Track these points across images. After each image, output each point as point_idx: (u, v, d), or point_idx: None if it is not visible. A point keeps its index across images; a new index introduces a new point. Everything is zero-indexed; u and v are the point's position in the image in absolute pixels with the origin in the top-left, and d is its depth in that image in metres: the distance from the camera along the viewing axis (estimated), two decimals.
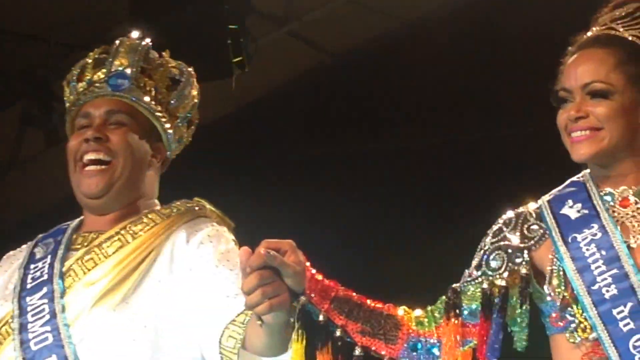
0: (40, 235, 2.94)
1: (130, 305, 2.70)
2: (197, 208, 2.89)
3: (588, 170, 2.62)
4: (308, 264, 2.42)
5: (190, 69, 2.97)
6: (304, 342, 2.41)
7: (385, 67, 8.71)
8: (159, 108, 2.86)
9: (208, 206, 2.92)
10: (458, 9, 8.24)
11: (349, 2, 8.41)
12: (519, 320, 2.53)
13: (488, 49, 8.05)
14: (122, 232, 2.79)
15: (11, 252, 2.97)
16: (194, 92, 2.97)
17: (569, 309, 2.48)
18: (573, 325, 2.48)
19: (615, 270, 2.44)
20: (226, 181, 7.51)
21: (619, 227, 2.49)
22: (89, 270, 2.74)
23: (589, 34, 2.58)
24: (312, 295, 2.42)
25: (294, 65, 9.00)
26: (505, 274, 2.55)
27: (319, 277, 2.44)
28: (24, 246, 2.94)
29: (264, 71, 8.16)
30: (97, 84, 2.83)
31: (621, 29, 2.52)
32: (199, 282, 2.70)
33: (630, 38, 2.51)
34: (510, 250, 2.57)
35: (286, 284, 2.32)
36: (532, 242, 2.57)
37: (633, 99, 2.48)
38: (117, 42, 2.91)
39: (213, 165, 7.96)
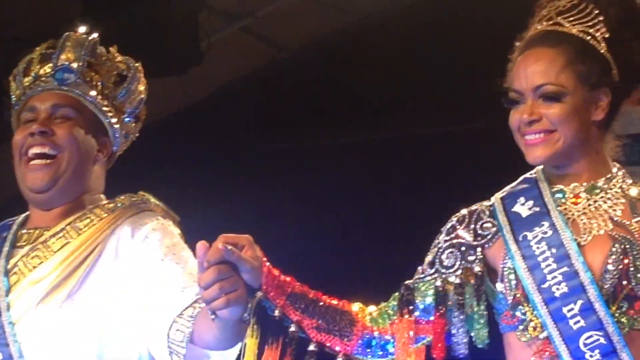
0: None
1: (76, 301, 2.70)
2: (141, 202, 2.89)
3: (541, 167, 2.62)
4: (265, 259, 2.42)
5: (137, 64, 2.95)
6: (258, 337, 2.42)
7: (339, 62, 8.69)
8: (105, 103, 2.85)
9: (153, 200, 2.91)
10: (415, 2, 8.29)
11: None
12: (476, 317, 2.54)
13: (444, 42, 8.06)
14: (67, 228, 2.78)
15: None
16: (141, 88, 2.95)
17: (520, 307, 2.49)
18: (524, 323, 2.49)
19: (565, 268, 2.45)
20: (178, 176, 7.48)
21: (569, 225, 2.49)
22: (34, 267, 2.73)
23: (537, 27, 2.57)
24: (269, 290, 2.41)
25: (248, 61, 8.97)
26: (459, 272, 2.55)
27: (276, 272, 2.44)
28: None
29: (217, 67, 8.13)
30: (43, 78, 2.82)
31: (567, 25, 2.51)
32: (145, 277, 2.69)
33: (577, 34, 2.50)
34: (463, 248, 2.58)
35: (243, 279, 2.33)
36: (485, 240, 2.58)
37: (584, 98, 2.48)
38: (64, 36, 2.89)
39: (166, 161, 7.93)
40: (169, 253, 2.71)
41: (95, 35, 2.91)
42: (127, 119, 2.94)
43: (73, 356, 2.67)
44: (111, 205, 2.87)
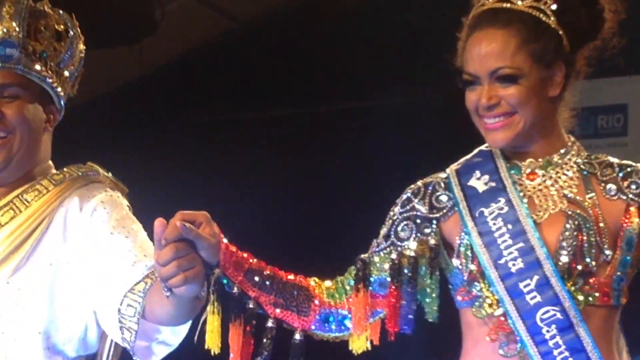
0: None
1: (23, 275, 2.68)
2: (90, 173, 2.85)
3: None
4: (222, 236, 2.41)
5: (75, 22, 2.89)
6: (220, 314, 2.43)
7: (291, 33, 8.77)
8: (50, 73, 2.80)
9: (101, 171, 2.87)
10: None
11: None
12: (428, 290, 2.55)
13: (393, 15, 8.09)
14: (15, 200, 2.74)
15: None
16: (82, 46, 2.90)
17: (476, 283, 2.50)
18: (479, 300, 2.51)
19: (521, 244, 2.46)
20: (130, 148, 7.45)
21: (525, 201, 2.51)
22: None
23: (484, 3, 2.54)
24: (227, 267, 2.42)
25: (201, 31, 8.97)
26: (414, 245, 2.56)
27: (233, 249, 2.44)
28: None
29: (170, 37, 8.11)
30: None
31: (517, 1, 2.50)
32: (94, 251, 2.67)
33: (526, 10, 2.48)
34: (419, 221, 2.58)
35: (201, 256, 2.32)
36: (441, 213, 2.59)
37: (540, 76, 2.49)
38: None
39: (117, 131, 7.91)
40: (118, 226, 2.69)
41: None
42: (69, 81, 2.89)
43: (17, 331, 2.65)
44: (59, 176, 2.82)
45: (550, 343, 2.41)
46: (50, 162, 2.88)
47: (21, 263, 2.67)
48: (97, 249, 2.66)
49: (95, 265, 2.65)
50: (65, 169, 2.84)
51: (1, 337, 2.64)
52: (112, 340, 2.72)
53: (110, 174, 2.88)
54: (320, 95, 8.70)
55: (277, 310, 2.49)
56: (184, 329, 2.58)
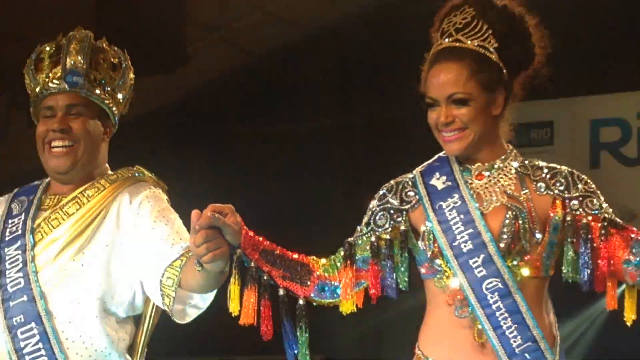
0: (16, 190, 2.90)
1: (85, 255, 2.68)
2: (137, 174, 2.86)
3: None
4: (243, 223, 2.44)
5: (126, 56, 2.90)
6: (239, 284, 2.44)
7: (289, 68, 8.86)
8: (107, 96, 2.81)
9: (146, 172, 2.89)
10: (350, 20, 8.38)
11: (267, 14, 8.46)
12: (400, 265, 2.54)
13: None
14: (79, 195, 2.75)
15: None
16: (132, 75, 2.90)
17: (436, 260, 2.50)
18: (439, 273, 2.51)
19: (470, 230, 2.47)
20: (167, 155, 7.45)
21: (474, 197, 2.51)
22: (54, 228, 2.71)
23: (442, 43, 2.54)
24: (246, 248, 2.44)
25: (222, 63, 8.97)
26: (389, 230, 2.56)
27: (251, 234, 2.45)
28: (2, 198, 2.91)
29: (198, 68, 8.10)
30: (55, 81, 2.75)
31: (466, 40, 2.50)
32: (141, 235, 2.69)
33: (474, 48, 2.49)
34: (392, 211, 2.58)
35: (226, 239, 2.35)
36: (409, 205, 2.58)
37: (486, 100, 2.49)
38: (68, 37, 2.81)
39: (158, 142, 7.93)
40: (159, 216, 2.70)
41: (91, 34, 2.84)
42: (121, 102, 2.90)
43: (80, 297, 2.65)
44: (114, 176, 2.84)
45: (494, 306, 2.41)
46: (107, 165, 2.89)
47: (84, 244, 2.68)
48: (143, 234, 2.67)
49: (141, 247, 2.66)
50: (118, 171, 2.85)
51: (68, 302, 2.63)
52: (154, 304, 2.73)
53: (153, 175, 2.89)
54: (316, 112, 8.81)
55: (285, 282, 2.50)
56: (211, 296, 2.60)
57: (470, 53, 2.48)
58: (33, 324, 2.59)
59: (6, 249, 2.69)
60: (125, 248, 2.70)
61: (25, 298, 2.62)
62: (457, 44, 2.50)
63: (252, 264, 2.46)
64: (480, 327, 2.43)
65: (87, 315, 2.64)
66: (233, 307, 2.44)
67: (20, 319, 2.60)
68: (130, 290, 2.71)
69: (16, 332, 2.60)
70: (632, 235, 2.43)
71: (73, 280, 2.66)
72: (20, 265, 2.66)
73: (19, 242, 2.69)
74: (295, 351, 2.50)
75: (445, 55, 2.50)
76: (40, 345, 2.58)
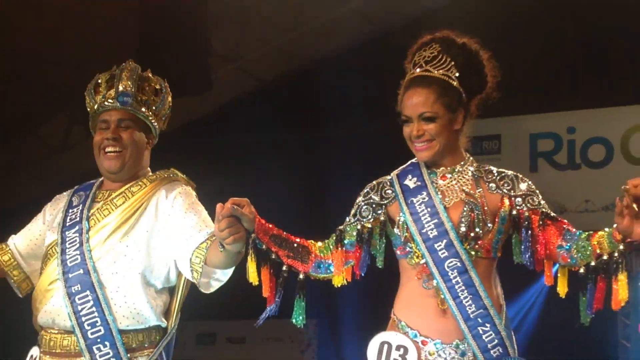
0: (76, 187, 2.91)
1: (129, 238, 2.69)
2: (172, 175, 2.86)
3: None
4: (256, 213, 2.45)
5: (166, 84, 2.91)
6: (255, 261, 2.44)
7: (296, 89, 8.86)
8: (150, 113, 2.82)
9: (179, 174, 2.89)
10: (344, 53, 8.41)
11: (274, 48, 8.47)
12: (378, 248, 2.54)
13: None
14: (125, 191, 2.76)
15: (59, 195, 2.93)
16: (170, 99, 2.91)
17: (408, 243, 2.50)
18: (410, 254, 2.51)
19: (435, 220, 2.47)
20: (194, 161, 7.44)
21: (439, 194, 2.51)
22: (105, 216, 2.72)
23: (414, 72, 2.54)
24: (258, 233, 2.44)
25: (238, 87, 8.98)
26: (371, 220, 2.57)
27: (263, 221, 2.45)
28: (65, 193, 2.91)
29: (218, 91, 8.11)
30: (110, 100, 2.76)
31: (433, 70, 2.50)
32: (174, 223, 2.69)
33: (440, 77, 2.49)
34: (374, 205, 2.58)
35: (243, 226, 2.36)
36: (388, 200, 2.58)
37: (449, 117, 2.49)
38: (121, 67, 2.83)
39: (187, 150, 7.92)
40: (189, 208, 2.71)
41: (138, 66, 2.86)
42: (162, 120, 2.90)
43: (125, 272, 2.66)
44: (153, 177, 2.84)
45: (453, 281, 2.41)
46: (149, 168, 2.89)
47: (129, 230, 2.68)
48: (176, 222, 2.67)
49: (175, 232, 2.66)
50: (157, 172, 2.86)
51: (116, 275, 2.63)
52: (185, 278, 2.72)
53: (184, 175, 2.89)
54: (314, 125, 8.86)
55: (289, 260, 2.49)
56: (230, 272, 2.59)
57: (437, 81, 2.49)
58: (88, 292, 2.60)
59: (67, 232, 2.70)
60: (162, 233, 2.70)
61: (81, 271, 2.62)
62: (427, 73, 2.50)
63: (264, 246, 2.45)
64: (442, 296, 2.43)
65: (131, 286, 2.64)
66: (251, 278, 2.45)
67: (78, 287, 2.60)
68: (166, 267, 2.71)
69: (74, 298, 2.60)
70: (564, 226, 2.45)
71: (119, 258, 2.66)
72: (78, 245, 2.66)
73: (77, 227, 2.70)
74: (294, 314, 2.51)
75: (417, 82, 2.50)
76: (93, 309, 2.58)
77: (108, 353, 2.57)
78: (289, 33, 8.38)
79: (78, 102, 2.96)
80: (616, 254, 2.30)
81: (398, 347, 2.45)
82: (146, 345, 2.65)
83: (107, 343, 2.57)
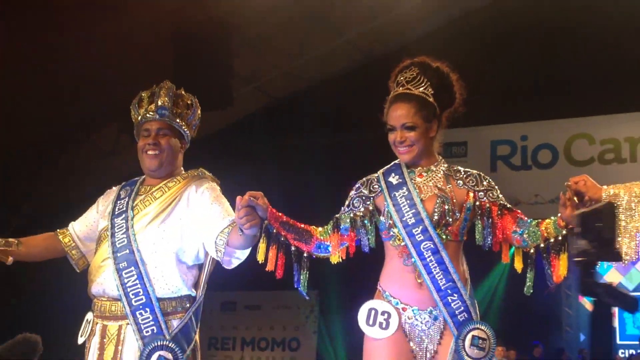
0: (123, 183, 2.87)
1: (166, 224, 2.66)
2: (200, 173, 2.83)
3: None
4: (269, 204, 2.42)
5: (196, 99, 2.89)
6: (265, 243, 2.43)
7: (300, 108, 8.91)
8: (183, 123, 2.79)
9: (206, 172, 2.85)
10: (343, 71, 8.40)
11: (284, 73, 8.48)
12: (368, 232, 2.51)
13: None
14: (162, 186, 2.74)
15: (109, 190, 2.90)
16: (199, 112, 2.87)
17: (392, 229, 2.47)
18: (393, 237, 2.48)
19: (414, 210, 2.45)
20: (220, 163, 7.47)
21: (417, 189, 2.49)
22: (145, 207, 2.69)
23: (398, 90, 2.52)
24: (270, 219, 2.42)
25: (253, 103, 8.97)
26: (362, 209, 2.53)
27: (274, 210, 2.43)
28: (114, 187, 2.88)
29: (237, 106, 8.11)
30: (150, 113, 2.73)
31: (413, 89, 2.49)
32: (203, 212, 2.66)
33: (419, 94, 2.48)
34: (364, 197, 2.55)
35: (258, 214, 2.34)
36: (375, 194, 2.55)
37: (426, 127, 2.47)
38: (159, 86, 2.80)
39: (213, 154, 7.95)
40: (215, 200, 2.67)
41: (174, 85, 2.83)
42: (193, 128, 2.86)
43: (163, 251, 2.64)
44: (185, 175, 2.80)
45: (428, 259, 2.39)
46: (182, 168, 2.86)
47: (165, 218, 2.66)
48: (204, 211, 2.65)
49: (203, 219, 2.64)
50: (189, 171, 2.83)
51: (155, 254, 2.61)
52: (211, 257, 2.69)
53: (210, 174, 2.86)
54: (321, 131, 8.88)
55: (295, 242, 2.47)
56: (247, 252, 2.56)
57: (416, 97, 2.47)
58: (132, 268, 2.58)
59: (115, 219, 2.68)
60: (192, 221, 2.67)
61: (127, 251, 2.61)
62: (408, 91, 2.48)
63: (275, 230, 2.44)
64: (419, 272, 2.41)
65: (167, 263, 2.62)
66: (260, 257, 2.43)
67: (124, 264, 2.59)
68: (195, 248, 2.68)
69: (122, 273, 2.59)
70: (518, 215, 2.43)
71: (158, 241, 2.64)
72: (124, 229, 2.65)
73: (124, 215, 2.68)
74: (299, 286, 2.49)
75: (400, 98, 2.48)
76: (137, 281, 2.57)
77: (148, 317, 2.55)
78: (296, 59, 8.39)
79: (125, 115, 2.92)
80: (560, 238, 2.29)
81: (383, 313, 2.43)
82: (179, 310, 2.62)
83: (147, 309, 2.56)
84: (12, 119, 6.42)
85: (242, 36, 7.44)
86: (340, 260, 2.53)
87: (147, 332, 2.54)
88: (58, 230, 2.87)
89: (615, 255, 1.95)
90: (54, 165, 8.08)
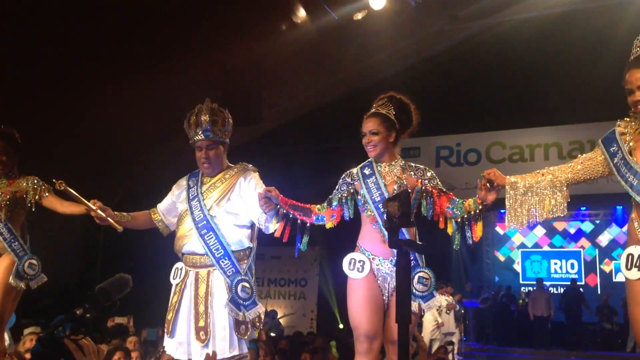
0: (189, 174, 2.77)
1: (227, 203, 2.60)
2: (245, 167, 2.73)
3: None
4: (280, 193, 2.40)
5: (228, 113, 2.71)
6: (277, 221, 2.41)
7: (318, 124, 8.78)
8: (222, 135, 2.65)
9: (249, 165, 2.75)
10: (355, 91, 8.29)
11: (297, 99, 8.37)
12: (350, 207, 2.47)
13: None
14: (222, 177, 2.66)
15: (179, 180, 2.80)
16: (231, 121, 2.71)
17: (366, 204, 2.42)
18: (366, 210, 2.43)
19: (380, 192, 2.40)
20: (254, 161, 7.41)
21: (382, 177, 2.44)
22: (211, 192, 2.64)
23: (371, 110, 2.45)
24: (282, 203, 2.39)
25: (277, 121, 8.86)
26: (346, 192, 2.48)
27: (283, 197, 2.40)
28: (183, 178, 2.77)
29: (267, 120, 8.01)
30: (199, 136, 2.61)
31: (381, 109, 2.43)
32: (250, 196, 2.59)
33: (385, 113, 2.44)
34: (347, 183, 2.49)
35: (273, 201, 2.33)
36: (355, 181, 2.49)
37: (387, 134, 2.42)
38: (199, 108, 2.64)
39: (249, 158, 7.87)
40: (258, 186, 2.60)
41: (213, 104, 2.66)
42: (228, 133, 2.71)
43: (227, 221, 2.59)
44: (236, 168, 2.70)
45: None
46: (229, 163, 2.74)
47: (225, 200, 2.60)
48: (251, 196, 2.58)
49: (250, 202, 2.57)
50: (236, 165, 2.73)
51: (222, 222, 2.57)
52: (257, 226, 2.61)
53: (251, 165, 2.75)
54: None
55: (300, 217, 2.43)
56: (274, 222, 2.47)
57: (381, 114, 2.43)
58: (211, 232, 2.54)
59: (191, 202, 2.61)
60: (243, 200, 2.60)
61: (205, 222, 2.56)
62: (376, 110, 2.45)
63: (285, 210, 2.40)
64: (382, 233, 2.36)
65: (232, 228, 2.58)
66: (272, 228, 2.43)
67: (205, 230, 2.55)
68: (247, 218, 2.61)
69: (204, 237, 2.54)
70: (450, 196, 2.40)
71: (223, 214, 2.58)
72: (199, 208, 2.59)
73: (197, 199, 2.62)
74: (299, 246, 2.45)
75: (371, 115, 2.45)
76: (216, 241, 2.53)
77: (228, 263, 2.52)
78: (305, 91, 8.33)
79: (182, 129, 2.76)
80: (477, 211, 2.28)
81: (359, 261, 2.40)
82: (243, 257, 2.59)
83: (226, 258, 2.53)
84: (114, 130, 6.34)
85: (269, 74, 7.38)
86: (332, 226, 2.48)
87: (229, 272, 2.52)
88: (151, 209, 2.80)
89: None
90: (142, 161, 8.04)
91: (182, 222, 2.64)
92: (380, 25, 6.79)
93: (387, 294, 2.38)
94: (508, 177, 2.18)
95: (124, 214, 2.68)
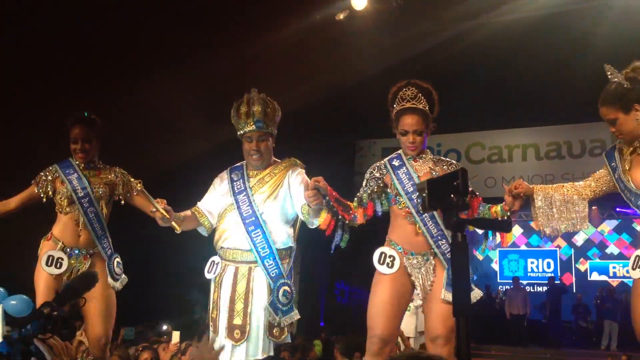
0: (230, 167, 2.73)
1: (276, 199, 2.58)
2: (294, 162, 2.70)
3: (401, 150, 2.51)
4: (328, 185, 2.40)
5: (277, 105, 2.67)
6: (326, 212, 2.40)
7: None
8: (272, 128, 2.63)
9: (297, 161, 2.72)
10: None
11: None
12: (382, 201, 2.48)
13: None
14: (270, 172, 2.63)
15: (220, 174, 2.74)
16: (280, 113, 2.67)
17: (398, 197, 2.42)
18: (399, 202, 2.43)
19: (412, 182, 2.39)
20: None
21: (414, 169, 2.44)
22: (261, 187, 2.61)
23: (404, 105, 2.39)
24: (329, 197, 2.38)
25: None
26: (375, 187, 2.48)
27: (331, 190, 2.40)
28: (224, 172, 2.73)
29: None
30: (250, 126, 2.58)
31: (417, 104, 2.38)
32: (297, 190, 2.58)
33: (421, 108, 2.39)
34: (376, 178, 2.49)
35: (321, 193, 2.33)
36: (384, 174, 2.49)
37: (427, 131, 2.42)
38: (250, 97, 2.59)
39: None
40: (303, 181, 2.59)
41: (262, 95, 2.60)
42: (276, 125, 2.67)
43: (276, 217, 2.57)
44: (284, 163, 2.67)
45: (423, 215, 2.36)
46: (275, 159, 2.70)
47: (274, 195, 2.58)
48: (297, 189, 2.57)
49: (296, 195, 2.56)
50: (284, 160, 2.70)
51: (271, 218, 2.56)
52: (301, 219, 2.61)
53: (299, 161, 2.72)
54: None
55: (342, 212, 2.43)
56: (319, 217, 2.47)
57: (421, 110, 2.40)
58: (259, 229, 2.52)
59: (237, 197, 2.58)
60: (290, 195, 2.59)
61: (253, 218, 2.53)
62: (414, 106, 2.41)
63: (331, 203, 2.40)
64: (418, 225, 2.37)
65: (279, 224, 2.56)
66: (320, 221, 2.42)
67: (252, 227, 2.52)
68: (294, 213, 2.60)
69: (251, 233, 2.52)
70: (480, 200, 2.41)
71: (272, 210, 2.56)
72: (247, 203, 2.56)
73: (244, 193, 2.58)
74: (340, 242, 2.44)
75: (410, 110, 2.40)
76: (263, 239, 2.51)
77: (272, 263, 2.49)
78: (287, 93, 8.16)
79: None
80: (506, 217, 2.31)
81: (390, 256, 2.39)
82: (286, 257, 2.57)
83: (271, 257, 2.50)
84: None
85: (251, 77, 7.26)
86: (364, 222, 2.48)
87: (272, 273, 2.49)
88: (194, 208, 2.71)
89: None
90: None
91: (225, 215, 2.60)
92: (362, 26, 6.80)
93: (420, 290, 2.36)
94: (533, 185, 2.29)
95: (180, 214, 2.60)
